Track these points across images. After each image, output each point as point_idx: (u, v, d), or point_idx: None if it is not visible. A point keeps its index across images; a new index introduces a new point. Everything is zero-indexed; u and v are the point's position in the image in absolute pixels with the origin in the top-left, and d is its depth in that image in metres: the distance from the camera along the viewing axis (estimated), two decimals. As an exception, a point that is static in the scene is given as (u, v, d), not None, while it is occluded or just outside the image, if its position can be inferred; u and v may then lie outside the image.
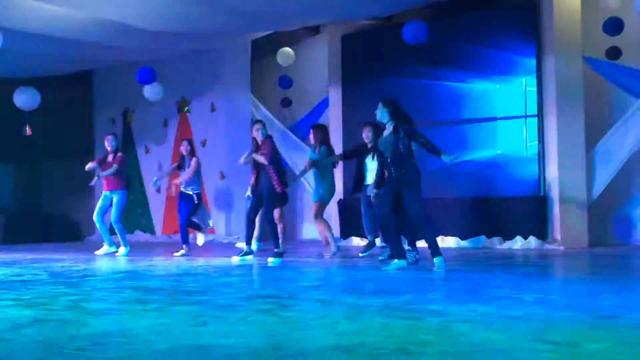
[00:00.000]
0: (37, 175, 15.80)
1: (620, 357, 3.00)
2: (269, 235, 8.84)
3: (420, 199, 7.15)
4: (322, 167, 9.12)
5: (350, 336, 3.63)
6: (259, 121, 9.29)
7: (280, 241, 8.81)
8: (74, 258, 9.73)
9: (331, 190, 9.23)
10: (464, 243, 11.46)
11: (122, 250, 10.19)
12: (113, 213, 10.31)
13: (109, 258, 9.87)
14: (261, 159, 8.62)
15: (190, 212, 10.19)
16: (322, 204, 9.17)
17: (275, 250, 8.63)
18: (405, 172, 7.08)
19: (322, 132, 9.42)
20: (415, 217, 7.08)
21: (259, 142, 8.81)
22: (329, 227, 9.29)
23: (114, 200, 10.32)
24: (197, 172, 10.23)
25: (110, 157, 10.48)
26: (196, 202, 10.15)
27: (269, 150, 8.64)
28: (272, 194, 8.67)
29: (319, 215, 9.18)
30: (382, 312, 4.33)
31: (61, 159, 14.37)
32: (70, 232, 10.29)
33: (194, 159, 10.25)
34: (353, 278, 6.58)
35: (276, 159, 8.70)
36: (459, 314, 4.23)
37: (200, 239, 10.45)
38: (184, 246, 10.04)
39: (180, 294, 5.86)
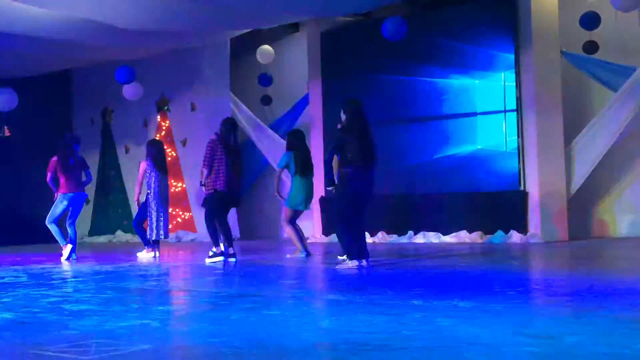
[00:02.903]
0: (16, 176, 15.66)
1: (599, 349, 3.03)
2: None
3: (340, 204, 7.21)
4: (290, 172, 9.06)
5: (333, 333, 3.63)
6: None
7: (221, 242, 8.70)
8: (55, 260, 9.65)
9: (294, 198, 8.99)
10: (446, 238, 11.51)
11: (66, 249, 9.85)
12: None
13: (84, 260, 9.79)
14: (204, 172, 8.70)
15: (137, 215, 10.14)
16: (288, 209, 9.08)
17: (212, 249, 8.64)
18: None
19: (289, 138, 9.26)
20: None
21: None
22: (297, 234, 9.09)
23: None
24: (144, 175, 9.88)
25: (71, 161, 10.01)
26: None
27: (205, 153, 8.66)
28: (207, 196, 8.71)
29: (287, 220, 9.11)
30: (365, 309, 4.34)
31: (40, 160, 14.25)
32: (50, 233, 10.10)
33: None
34: (335, 275, 6.58)
35: (210, 162, 8.60)
36: (442, 308, 4.24)
37: (141, 254, 9.86)
38: (145, 248, 9.88)
39: (162, 294, 5.84)
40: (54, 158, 9.96)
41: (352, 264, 7.05)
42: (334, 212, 7.35)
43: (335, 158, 7.30)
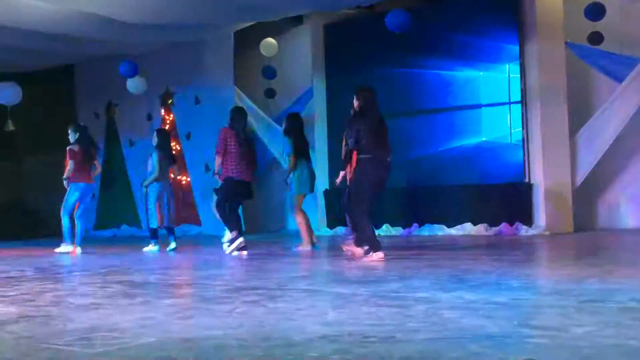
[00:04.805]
0: (20, 170, 15.70)
1: (606, 340, 3.02)
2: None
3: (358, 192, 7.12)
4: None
5: (338, 325, 3.63)
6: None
7: (231, 229, 8.72)
8: (59, 253, 9.66)
9: (299, 182, 8.92)
10: (451, 230, 11.50)
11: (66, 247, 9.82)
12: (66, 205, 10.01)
13: (89, 253, 9.81)
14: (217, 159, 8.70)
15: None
16: (295, 196, 9.04)
17: (230, 238, 8.67)
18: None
19: (287, 121, 9.20)
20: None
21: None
22: (305, 223, 9.00)
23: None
24: (153, 166, 9.83)
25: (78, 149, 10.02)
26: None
27: (218, 140, 8.67)
28: (221, 183, 8.74)
29: (296, 208, 9.06)
30: (370, 301, 4.33)
31: (44, 154, 14.28)
32: (54, 227, 10.12)
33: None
34: (340, 268, 6.58)
35: (222, 149, 8.59)
36: (447, 301, 4.24)
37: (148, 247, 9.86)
38: (151, 242, 9.88)
39: (167, 287, 5.85)
40: (75, 147, 9.89)
41: (377, 256, 6.97)
42: (351, 201, 7.16)
43: (348, 144, 7.15)
